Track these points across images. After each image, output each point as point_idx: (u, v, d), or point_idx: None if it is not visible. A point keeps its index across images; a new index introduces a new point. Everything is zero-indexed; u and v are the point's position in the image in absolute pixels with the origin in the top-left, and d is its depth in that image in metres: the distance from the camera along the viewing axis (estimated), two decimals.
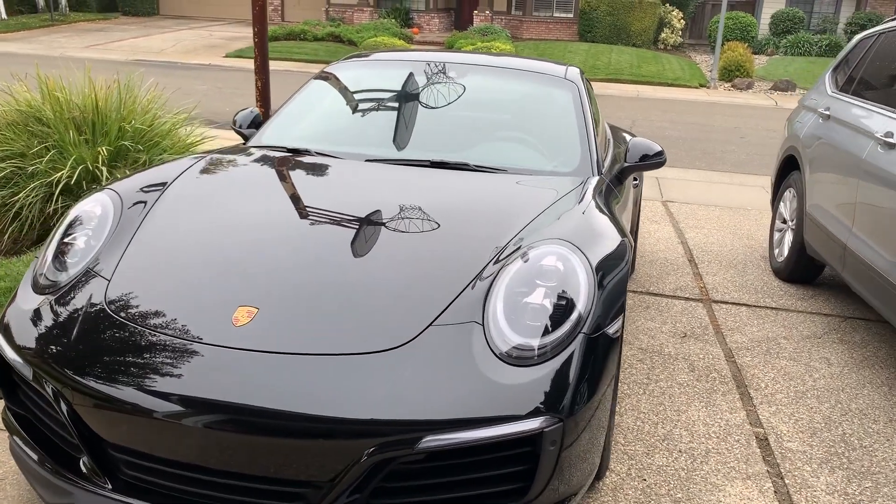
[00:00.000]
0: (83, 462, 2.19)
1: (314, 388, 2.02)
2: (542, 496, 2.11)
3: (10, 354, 2.32)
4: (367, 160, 3.25)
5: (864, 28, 21.23)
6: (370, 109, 3.73)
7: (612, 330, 2.30)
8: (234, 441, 2.01)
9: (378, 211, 2.73)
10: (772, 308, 4.74)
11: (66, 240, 2.61)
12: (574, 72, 3.94)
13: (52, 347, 2.22)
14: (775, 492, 2.82)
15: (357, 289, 2.31)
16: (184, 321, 2.21)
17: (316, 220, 2.65)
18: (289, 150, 3.39)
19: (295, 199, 2.84)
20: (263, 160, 3.29)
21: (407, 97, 3.71)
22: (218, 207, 2.78)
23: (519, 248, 2.44)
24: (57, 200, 5.07)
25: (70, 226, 2.66)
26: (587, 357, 2.19)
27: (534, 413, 2.05)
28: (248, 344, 2.11)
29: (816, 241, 4.64)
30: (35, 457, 2.28)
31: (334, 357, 2.08)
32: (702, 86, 18.10)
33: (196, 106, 6.33)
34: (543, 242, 2.43)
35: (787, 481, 2.89)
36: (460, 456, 2.03)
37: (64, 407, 2.14)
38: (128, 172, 5.54)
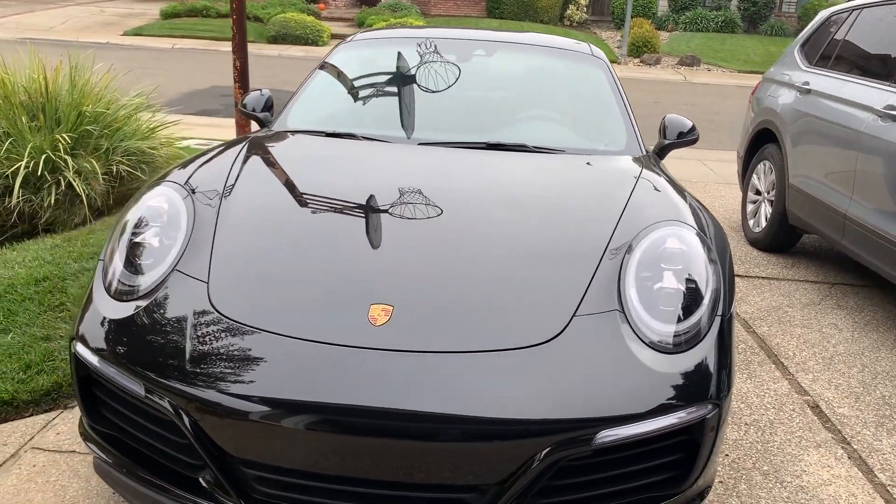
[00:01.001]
0: (204, 480, 2.00)
1: (475, 389, 1.91)
2: (694, 486, 2.08)
3: (105, 368, 2.08)
4: (419, 144, 3.10)
5: (755, 4, 22.26)
6: (401, 89, 3.56)
7: (733, 310, 2.29)
8: (387, 449, 1.88)
9: (470, 197, 2.61)
10: (763, 278, 4.89)
11: (135, 240, 2.36)
12: (597, 49, 3.90)
13: (166, 359, 2.00)
14: (849, 457, 2.91)
15: (485, 280, 2.20)
16: (313, 323, 2.03)
17: (413, 208, 2.50)
18: (329, 135, 3.20)
19: (381, 185, 2.67)
20: (316, 145, 3.09)
21: (438, 76, 3.57)
22: (299, 197, 2.58)
23: (633, 232, 2.38)
24: (18, 194, 4.63)
25: (136, 225, 2.40)
26: (725, 340, 2.17)
27: (694, 400, 2.01)
28: (392, 344, 1.97)
29: (804, 211, 4.82)
30: (141, 476, 2.06)
31: (487, 354, 1.97)
32: (613, 62, 18.51)
33: (155, 89, 5.92)
34: (659, 225, 2.38)
35: (854, 447, 2.98)
36: (625, 449, 1.97)
37: (186, 422, 1.94)
38: (119, 160, 5.13)
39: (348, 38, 3.96)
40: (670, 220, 2.43)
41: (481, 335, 2.02)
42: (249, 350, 1.99)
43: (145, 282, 2.24)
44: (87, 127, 5.04)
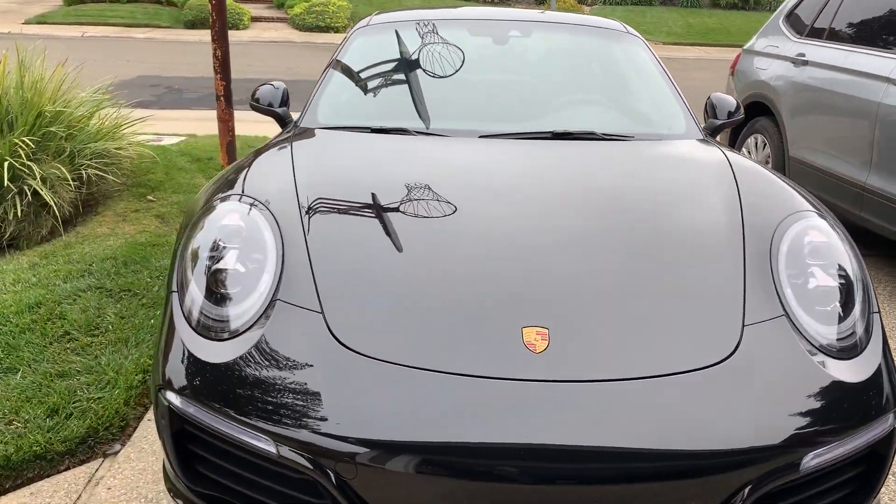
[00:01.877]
0: None
1: (663, 419, 1.70)
2: (874, 500, 1.94)
3: (213, 422, 1.76)
4: (480, 136, 2.85)
5: None
6: (440, 77, 3.28)
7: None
8: (576, 495, 1.65)
9: (574, 197, 2.39)
10: None
11: (214, 266, 2.03)
12: (629, 26, 3.71)
13: (299, 409, 1.70)
14: None
15: (632, 290, 1.98)
16: (463, 354, 1.77)
17: (521, 212, 2.26)
18: (375, 131, 2.90)
19: (470, 187, 2.40)
20: (371, 144, 2.78)
21: (476, 61, 3.31)
22: (389, 206, 2.29)
23: (765, 226, 2.21)
24: None
25: (212, 248, 2.07)
26: (884, 337, 2.03)
27: (881, 409, 1.86)
28: (559, 373, 1.73)
29: (809, 183, 4.79)
30: None
31: (664, 379, 1.76)
32: None
33: (112, 83, 5.41)
34: (793, 218, 2.22)
35: None
36: (824, 469, 1.80)
37: (333, 479, 1.66)
38: (88, 164, 4.63)
39: (363, 23, 3.63)
40: (796, 210, 2.27)
41: (651, 356, 1.81)
42: (398, 390, 1.72)
43: (240, 315, 1.93)
44: (51, 129, 4.53)
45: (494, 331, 1.83)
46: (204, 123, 8.07)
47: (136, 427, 2.75)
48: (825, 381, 1.83)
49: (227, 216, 2.15)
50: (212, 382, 1.82)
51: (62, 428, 2.60)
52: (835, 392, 1.82)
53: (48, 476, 2.49)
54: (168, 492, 2.00)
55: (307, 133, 2.93)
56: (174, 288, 2.04)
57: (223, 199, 2.23)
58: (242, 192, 2.27)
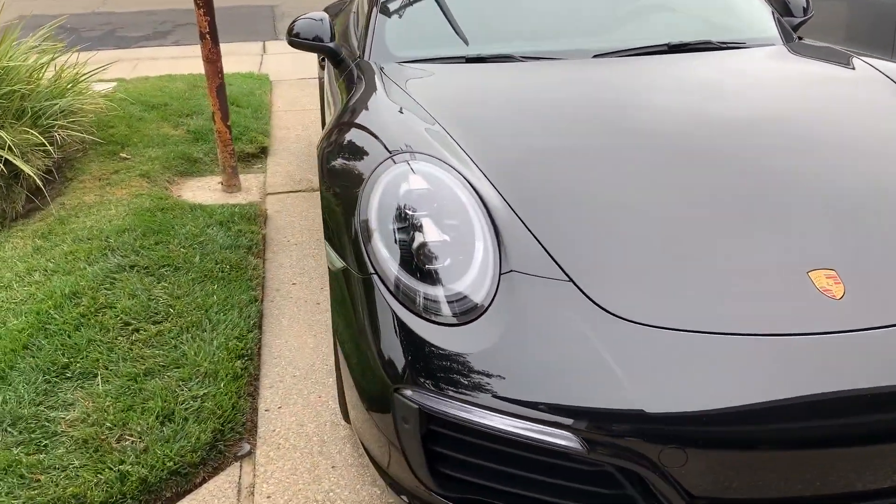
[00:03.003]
0: None
1: None
2: None
3: (483, 419, 1.52)
4: (594, 56, 2.58)
5: None
6: None
7: None
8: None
9: (767, 118, 2.20)
10: None
11: (407, 238, 1.74)
12: None
13: (605, 393, 1.48)
14: None
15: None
16: (757, 310, 1.58)
17: (733, 141, 2.04)
18: (470, 60, 2.58)
19: (641, 119, 2.15)
20: (485, 74, 2.49)
21: None
22: (569, 149, 2.03)
23: None
24: None
25: (399, 219, 1.77)
26: None
27: None
28: (871, 320, 1.57)
29: None
30: None
31: None
32: None
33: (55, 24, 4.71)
34: None
35: None
36: None
37: (656, 468, 1.47)
38: (61, 125, 4.06)
39: None
40: None
41: None
42: (702, 360, 1.52)
43: (469, 292, 1.66)
44: (14, 87, 3.90)
45: (779, 279, 1.64)
46: (126, 66, 7.33)
47: (256, 421, 2.45)
48: None
49: (409, 178, 1.84)
50: (469, 373, 1.56)
51: (186, 435, 2.27)
52: None
53: (188, 493, 2.18)
54: (402, 496, 1.75)
55: (392, 70, 2.58)
56: (371, 270, 1.74)
57: (391, 159, 1.90)
58: (407, 147, 1.95)
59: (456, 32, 2.75)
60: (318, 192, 4.31)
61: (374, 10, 2.89)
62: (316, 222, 3.89)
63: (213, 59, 4.13)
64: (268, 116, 5.75)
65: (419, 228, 1.75)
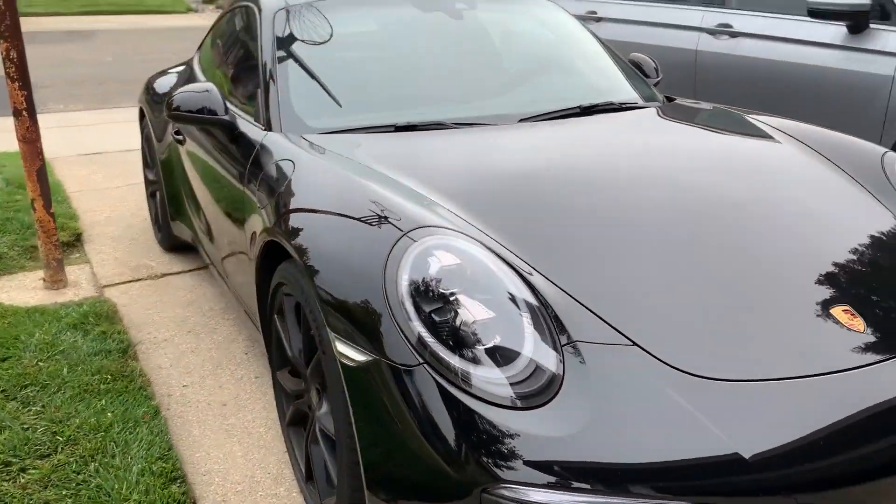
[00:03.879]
0: None
1: None
2: None
3: None
4: (520, 120, 2.60)
5: None
6: (420, 58, 2.86)
7: None
8: None
9: (714, 172, 2.33)
10: None
11: (437, 318, 1.60)
12: None
13: (714, 458, 1.44)
14: None
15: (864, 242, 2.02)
16: (799, 354, 1.65)
17: (703, 196, 2.12)
18: (399, 129, 2.49)
19: (630, 176, 2.20)
20: (430, 144, 2.39)
21: (444, 39, 2.97)
22: (574, 201, 2.02)
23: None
24: None
25: (432, 299, 1.62)
26: None
27: None
28: (888, 352, 1.70)
29: None
30: None
31: None
32: (190, 10, 17.21)
33: None
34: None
35: None
36: None
37: None
38: None
39: (274, 4, 3.00)
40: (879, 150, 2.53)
41: None
42: (787, 407, 1.55)
43: (529, 372, 1.56)
44: None
45: (808, 321, 1.73)
46: None
47: None
48: None
49: (435, 254, 1.70)
50: (566, 459, 1.46)
51: None
52: None
53: None
54: None
55: (322, 142, 2.41)
56: (420, 360, 1.57)
57: (406, 237, 1.74)
58: (416, 222, 1.80)
59: (369, 102, 2.64)
60: (167, 279, 3.91)
61: (270, 79, 2.69)
62: (178, 313, 3.48)
63: (31, 139, 3.60)
64: (67, 199, 5.11)
65: (460, 308, 1.62)
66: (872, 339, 1.71)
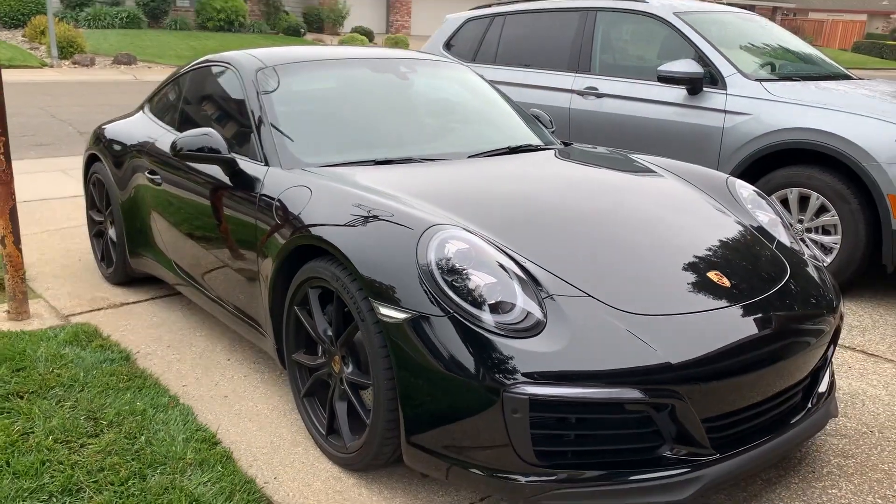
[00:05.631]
0: (669, 453, 2.30)
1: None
2: None
3: (581, 392, 2.16)
4: (469, 157, 3.38)
5: (153, 0, 22.55)
6: (380, 109, 3.59)
7: None
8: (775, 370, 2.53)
9: (631, 196, 3.17)
10: None
11: (456, 284, 2.34)
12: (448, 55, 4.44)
13: (646, 356, 2.24)
14: None
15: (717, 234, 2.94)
16: (687, 296, 2.49)
17: (626, 208, 2.98)
18: (379, 163, 3.19)
19: (579, 192, 3.06)
20: (400, 174, 3.07)
21: (395, 95, 3.72)
22: (538, 209, 2.86)
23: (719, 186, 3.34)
24: None
25: (451, 272, 2.36)
26: None
27: None
28: (748, 296, 2.58)
29: None
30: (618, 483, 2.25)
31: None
32: (45, 65, 16.90)
33: None
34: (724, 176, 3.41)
35: None
36: None
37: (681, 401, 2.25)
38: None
39: (253, 65, 3.62)
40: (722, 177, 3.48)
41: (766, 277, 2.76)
42: (680, 332, 2.36)
43: (528, 315, 2.29)
44: None
45: (698, 279, 2.58)
46: None
47: (270, 496, 2.62)
48: None
49: (451, 241, 2.41)
50: (556, 366, 2.19)
51: None
52: None
53: None
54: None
55: (323, 172, 3.06)
56: (450, 310, 2.27)
57: (431, 229, 2.44)
58: (434, 220, 2.51)
59: (350, 143, 3.34)
60: (128, 308, 4.28)
61: (261, 123, 3.31)
62: (152, 333, 3.89)
63: (6, 181, 3.96)
64: None
65: (469, 276, 2.34)
66: (735, 291, 2.59)
